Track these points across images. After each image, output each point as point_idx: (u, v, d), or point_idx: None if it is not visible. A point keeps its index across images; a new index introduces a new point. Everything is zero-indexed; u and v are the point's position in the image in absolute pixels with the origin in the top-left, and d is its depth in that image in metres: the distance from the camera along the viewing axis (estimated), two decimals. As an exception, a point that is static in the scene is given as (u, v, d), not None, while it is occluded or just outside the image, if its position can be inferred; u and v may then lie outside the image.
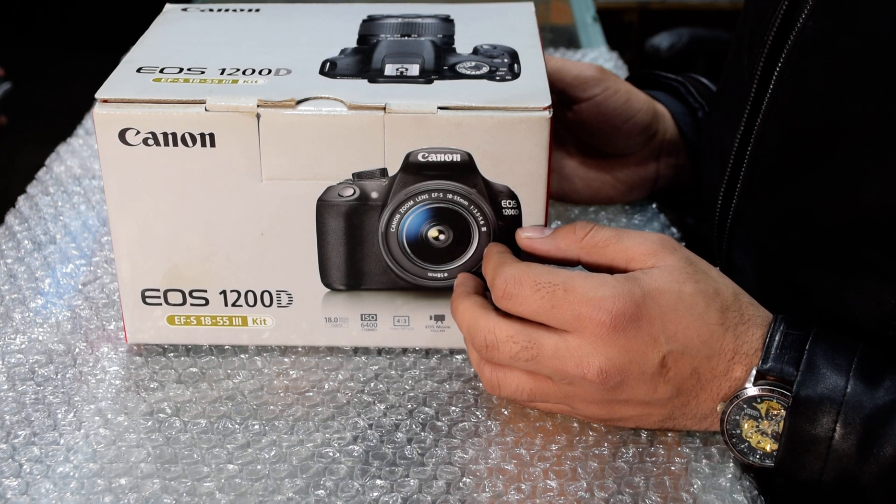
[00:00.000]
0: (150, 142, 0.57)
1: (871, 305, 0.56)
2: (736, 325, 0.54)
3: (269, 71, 0.60)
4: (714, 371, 0.54)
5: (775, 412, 0.53)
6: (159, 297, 0.62)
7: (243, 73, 0.60)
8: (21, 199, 0.81)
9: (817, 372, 0.52)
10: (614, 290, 0.53)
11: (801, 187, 0.59)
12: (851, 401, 0.51)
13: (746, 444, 0.54)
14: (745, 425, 0.54)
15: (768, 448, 0.54)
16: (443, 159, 0.57)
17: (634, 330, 0.52)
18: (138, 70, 0.60)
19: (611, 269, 0.56)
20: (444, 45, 0.65)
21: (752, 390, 0.53)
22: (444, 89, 0.58)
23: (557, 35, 1.26)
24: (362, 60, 0.62)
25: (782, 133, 0.61)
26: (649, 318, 0.53)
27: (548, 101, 0.57)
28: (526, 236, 0.58)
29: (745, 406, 0.53)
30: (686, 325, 0.53)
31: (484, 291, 0.59)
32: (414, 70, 0.60)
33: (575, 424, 0.59)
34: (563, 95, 0.73)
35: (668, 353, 0.53)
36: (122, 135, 0.57)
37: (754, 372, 0.53)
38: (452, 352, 0.64)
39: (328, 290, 0.62)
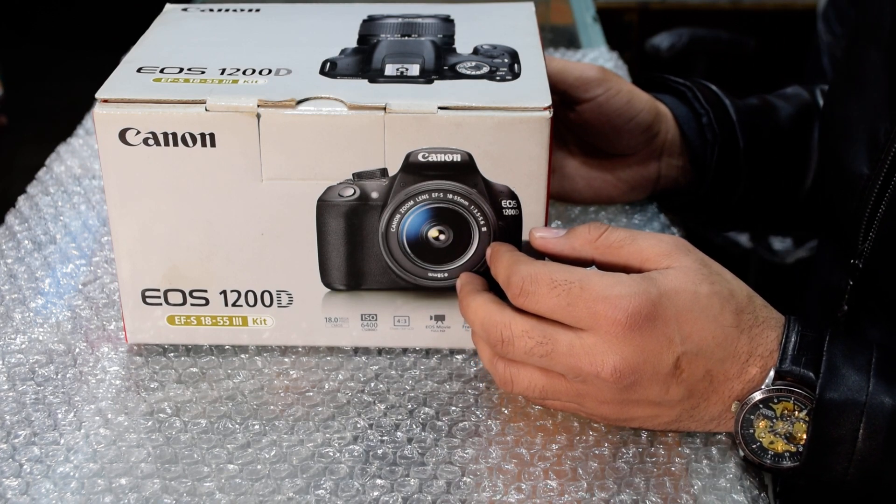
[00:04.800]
0: (151, 142, 0.57)
1: None
2: (751, 327, 0.54)
3: (270, 71, 0.60)
4: (727, 374, 0.54)
5: (789, 413, 0.53)
6: (159, 297, 0.62)
7: (243, 73, 0.60)
8: (21, 199, 0.81)
9: (838, 373, 0.52)
10: (630, 289, 0.52)
11: None
12: (874, 401, 0.51)
13: (758, 444, 0.54)
14: (760, 425, 0.54)
15: (780, 448, 0.54)
16: (443, 159, 0.57)
17: (650, 329, 0.52)
18: (138, 70, 0.60)
19: (625, 270, 0.56)
20: (445, 45, 0.65)
21: (768, 391, 0.53)
22: (444, 89, 0.58)
23: (557, 35, 1.26)
24: (362, 60, 0.62)
25: None
26: (665, 319, 0.53)
27: (548, 101, 0.57)
28: (540, 236, 0.58)
29: (760, 406, 0.53)
30: (701, 326, 0.53)
31: (489, 290, 0.59)
32: (414, 70, 0.60)
33: (575, 424, 0.59)
34: (566, 96, 0.73)
35: (683, 353, 0.53)
36: (122, 135, 0.57)
37: (772, 373, 0.53)
38: (452, 352, 0.64)
39: (328, 290, 0.62)
